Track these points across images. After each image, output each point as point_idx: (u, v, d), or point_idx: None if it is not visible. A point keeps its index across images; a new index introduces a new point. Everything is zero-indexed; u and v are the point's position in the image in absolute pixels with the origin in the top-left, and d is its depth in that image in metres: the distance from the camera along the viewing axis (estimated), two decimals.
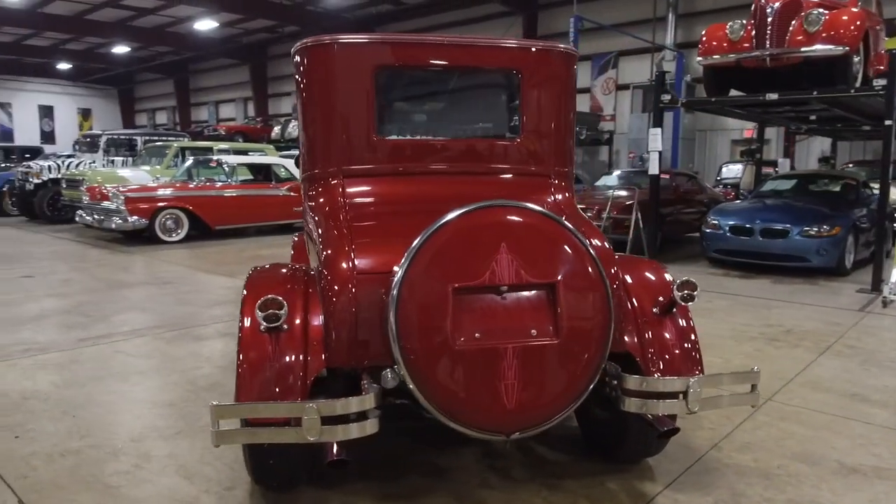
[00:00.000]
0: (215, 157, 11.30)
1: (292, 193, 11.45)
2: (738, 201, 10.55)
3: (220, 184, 10.81)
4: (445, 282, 2.04)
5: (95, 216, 10.34)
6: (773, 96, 7.25)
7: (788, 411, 3.51)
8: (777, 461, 2.91)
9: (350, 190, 2.84)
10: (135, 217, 9.84)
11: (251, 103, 28.90)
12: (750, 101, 7.89)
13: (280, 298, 2.14)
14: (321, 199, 2.85)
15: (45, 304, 5.93)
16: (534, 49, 3.01)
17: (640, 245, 8.02)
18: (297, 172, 11.72)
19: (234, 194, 10.85)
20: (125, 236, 10.55)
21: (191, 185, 10.59)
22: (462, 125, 3.28)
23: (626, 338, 2.49)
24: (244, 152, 13.44)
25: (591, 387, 2.15)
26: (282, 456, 2.34)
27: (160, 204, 10.05)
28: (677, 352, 2.50)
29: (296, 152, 17.74)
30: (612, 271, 2.50)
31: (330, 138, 2.88)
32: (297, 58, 2.89)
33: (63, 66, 30.01)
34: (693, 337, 2.55)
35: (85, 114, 33.74)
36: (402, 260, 2.06)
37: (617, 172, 11.70)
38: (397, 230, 2.45)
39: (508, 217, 2.15)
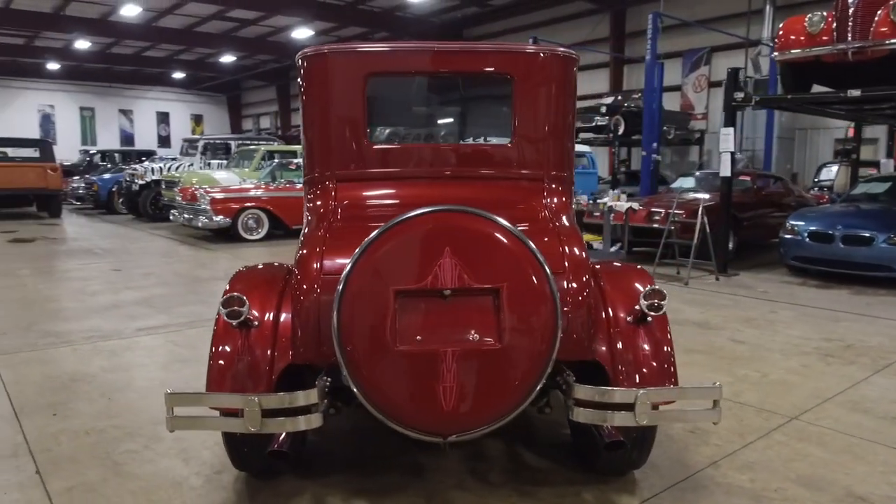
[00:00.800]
0: (296, 160, 11.84)
1: None
2: (825, 205, 9.83)
3: (299, 185, 11.32)
4: (388, 284, 2.10)
5: (186, 215, 11.14)
6: (856, 93, 6.72)
7: (811, 431, 3.28)
8: (777, 484, 2.74)
9: (341, 194, 2.95)
10: (220, 216, 10.52)
11: None
12: (829, 98, 7.35)
13: (242, 296, 2.28)
14: (316, 203, 2.98)
15: (122, 295, 6.49)
16: (526, 53, 3.00)
17: (707, 251, 7.66)
18: None
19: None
20: (212, 234, 11.29)
21: (271, 187, 11.16)
22: (454, 130, 3.31)
23: (596, 346, 2.45)
24: None
25: (534, 393, 2.13)
26: (254, 445, 2.48)
27: (243, 204, 10.68)
28: (648, 363, 2.42)
29: None
30: (584, 279, 2.47)
31: (325, 143, 3.01)
32: (299, 66, 3.04)
33: (177, 75, 32.34)
34: (667, 349, 2.46)
35: (197, 119, 36.23)
36: (348, 262, 2.14)
37: (697, 173, 11.20)
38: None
39: (454, 222, 2.17)
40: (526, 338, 2.11)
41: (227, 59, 29.34)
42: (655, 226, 8.50)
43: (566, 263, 2.48)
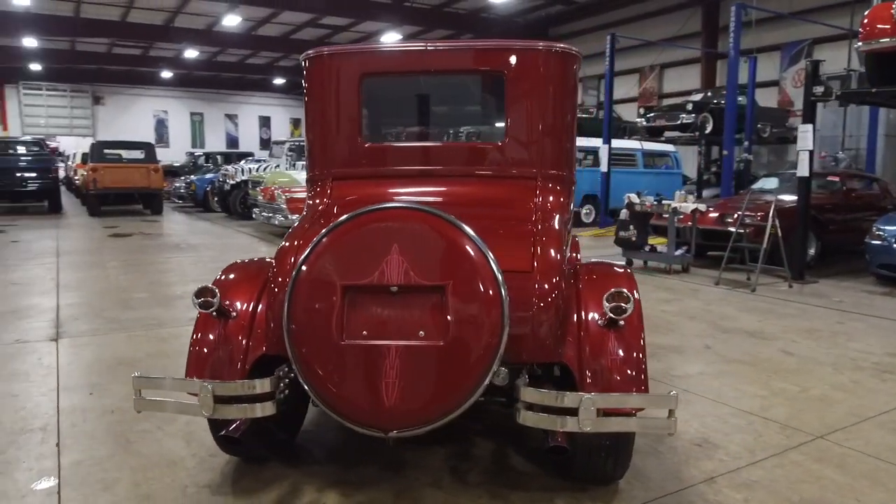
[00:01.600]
0: None
1: None
2: None
3: None
4: (336, 280, 2.15)
5: (265, 213, 11.70)
6: None
7: (834, 452, 3.02)
8: None
9: (336, 192, 3.04)
10: (295, 215, 10.97)
11: None
12: None
13: (214, 288, 2.40)
14: (315, 200, 3.08)
15: (190, 287, 6.90)
16: (517, 50, 2.96)
17: (779, 256, 7.18)
18: None
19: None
20: None
21: None
22: (447, 128, 3.31)
23: (564, 349, 2.39)
24: None
25: (478, 392, 2.10)
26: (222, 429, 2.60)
27: None
28: (615, 368, 2.32)
29: None
30: (553, 281, 2.41)
31: (323, 142, 3.11)
32: (302, 68, 3.15)
33: (278, 80, 33.96)
34: (638, 355, 2.35)
35: (296, 123, 37.88)
36: (301, 257, 2.20)
37: (781, 173, 10.49)
38: None
39: (403, 219, 2.18)
40: (470, 336, 2.09)
41: None
42: (730, 229, 8.05)
43: (535, 264, 2.43)
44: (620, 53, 20.57)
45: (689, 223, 7.98)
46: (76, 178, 20.72)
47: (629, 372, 2.32)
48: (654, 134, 16.16)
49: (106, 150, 15.86)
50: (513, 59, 2.95)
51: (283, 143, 15.99)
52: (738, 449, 3.05)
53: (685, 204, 7.74)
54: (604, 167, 13.12)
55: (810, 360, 4.48)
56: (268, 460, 2.87)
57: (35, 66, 30.20)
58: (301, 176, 13.33)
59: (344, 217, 2.22)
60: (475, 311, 2.10)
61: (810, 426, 3.32)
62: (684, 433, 3.21)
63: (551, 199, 3.00)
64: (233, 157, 22.40)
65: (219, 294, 2.39)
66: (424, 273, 2.12)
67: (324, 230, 2.21)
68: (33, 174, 15.72)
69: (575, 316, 2.44)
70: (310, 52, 3.11)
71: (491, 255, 2.14)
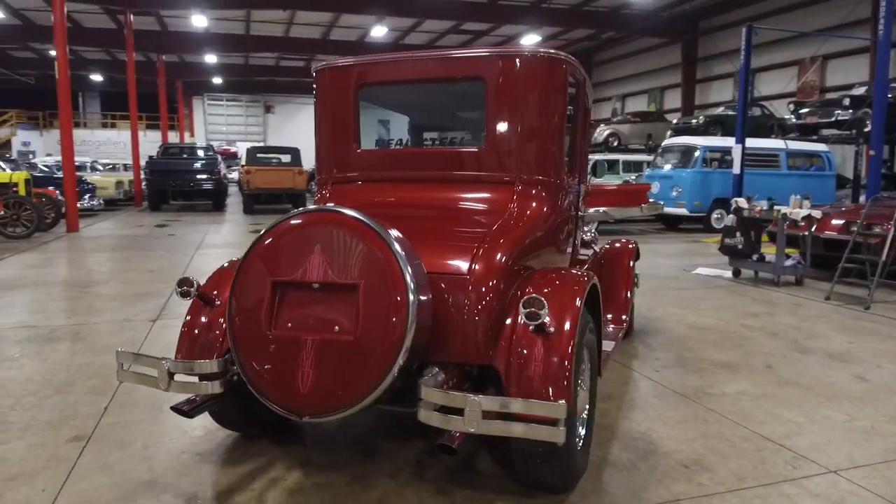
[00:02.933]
0: None
1: None
2: None
3: None
4: (267, 275, 2.36)
5: None
6: None
7: (840, 489, 2.71)
8: None
9: (334, 197, 3.27)
10: None
11: None
12: None
13: (192, 278, 2.72)
14: (315, 203, 3.33)
15: None
16: (498, 56, 3.00)
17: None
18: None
19: None
20: None
21: None
22: (433, 134, 3.40)
23: (496, 352, 2.42)
24: None
25: (383, 387, 2.20)
26: (221, 407, 2.92)
27: None
28: (538, 374, 2.31)
29: (597, 157, 17.96)
30: (490, 284, 2.45)
31: (325, 149, 3.36)
32: (313, 80, 3.42)
33: None
34: (563, 362, 2.32)
35: None
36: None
37: None
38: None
39: (326, 221, 2.34)
40: (376, 333, 2.20)
41: None
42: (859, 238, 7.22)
43: (475, 267, 2.48)
44: (775, 45, 18.97)
45: (805, 231, 7.25)
46: None
47: (550, 378, 2.30)
48: (806, 132, 14.71)
49: (258, 155, 17.58)
50: (492, 66, 3.00)
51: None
52: (728, 474, 2.84)
53: (797, 210, 7.06)
54: (736, 169, 12.21)
55: (885, 388, 3.96)
56: (260, 438, 3.17)
57: (216, 80, 34.01)
58: None
59: (278, 219, 2.43)
60: (382, 311, 2.21)
61: (830, 459, 2.99)
62: (679, 452, 3.05)
63: (532, 204, 3.00)
64: None
65: (196, 283, 2.71)
66: (340, 272, 2.27)
67: (263, 230, 2.44)
68: (202, 176, 17.83)
69: (510, 320, 2.46)
70: (318, 65, 3.38)
71: (402, 258, 2.24)
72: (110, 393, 3.80)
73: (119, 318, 5.64)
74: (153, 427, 3.32)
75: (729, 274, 8.02)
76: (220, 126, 37.68)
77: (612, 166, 17.88)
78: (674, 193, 13.16)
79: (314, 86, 3.41)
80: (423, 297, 2.25)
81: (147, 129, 34.07)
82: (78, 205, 13.21)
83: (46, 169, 17.27)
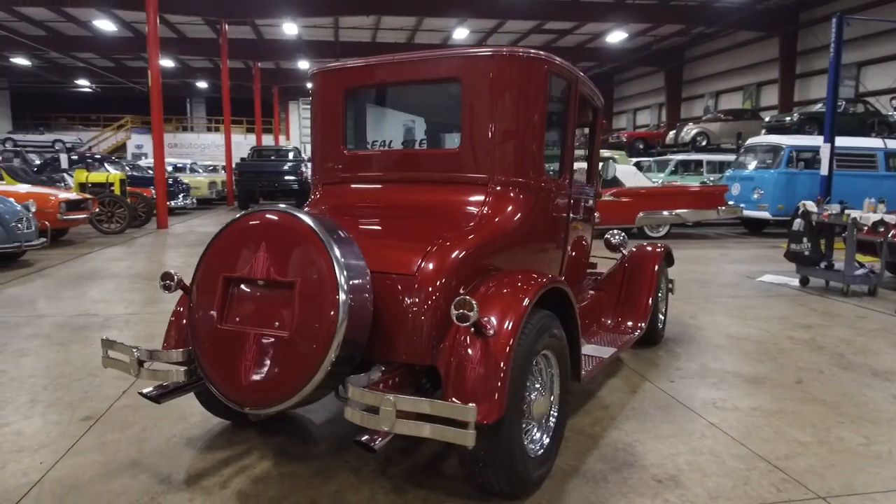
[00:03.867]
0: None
1: (614, 198, 11.57)
2: None
3: None
4: (219, 271, 2.48)
5: None
6: None
7: None
8: None
9: (323, 197, 3.37)
10: None
11: (664, 109, 28.80)
12: None
13: (173, 272, 2.89)
14: (309, 207, 3.45)
15: None
16: (474, 57, 2.99)
17: None
18: (634, 179, 11.76)
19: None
20: None
21: None
22: (414, 135, 3.41)
23: (439, 352, 2.42)
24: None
25: (316, 382, 2.25)
26: (205, 394, 3.08)
27: None
28: (474, 376, 2.30)
29: (678, 157, 17.28)
30: (437, 284, 2.47)
31: (318, 150, 3.46)
32: (309, 85, 3.54)
33: None
34: (499, 364, 2.28)
35: None
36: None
37: None
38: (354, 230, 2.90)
39: (272, 221, 2.42)
40: (309, 330, 2.26)
41: None
42: None
43: (423, 267, 2.49)
44: (884, 36, 17.49)
45: (880, 237, 6.67)
46: None
47: (483, 381, 2.28)
48: None
49: None
50: (467, 66, 2.99)
51: None
52: (701, 493, 2.69)
53: (868, 214, 6.50)
54: (823, 170, 11.38)
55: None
56: (247, 427, 3.32)
57: (310, 85, 35.35)
58: None
59: (232, 219, 2.54)
60: (315, 308, 2.27)
61: (823, 484, 2.76)
62: (658, 466, 2.92)
63: (505, 206, 2.97)
64: None
65: (177, 278, 2.88)
66: (280, 270, 2.35)
67: (219, 229, 2.56)
68: (288, 177, 18.65)
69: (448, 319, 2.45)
70: (312, 69, 3.49)
71: (337, 257, 2.29)
72: (131, 381, 4.09)
73: (171, 309, 6.03)
74: (157, 411, 3.55)
75: (796, 282, 7.50)
76: None
77: (695, 167, 17.12)
78: (755, 196, 12.42)
79: (311, 89, 3.52)
80: (357, 296, 2.29)
81: (247, 133, 35.97)
82: (172, 203, 14.19)
83: (151, 171, 18.65)
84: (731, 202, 12.52)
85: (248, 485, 2.75)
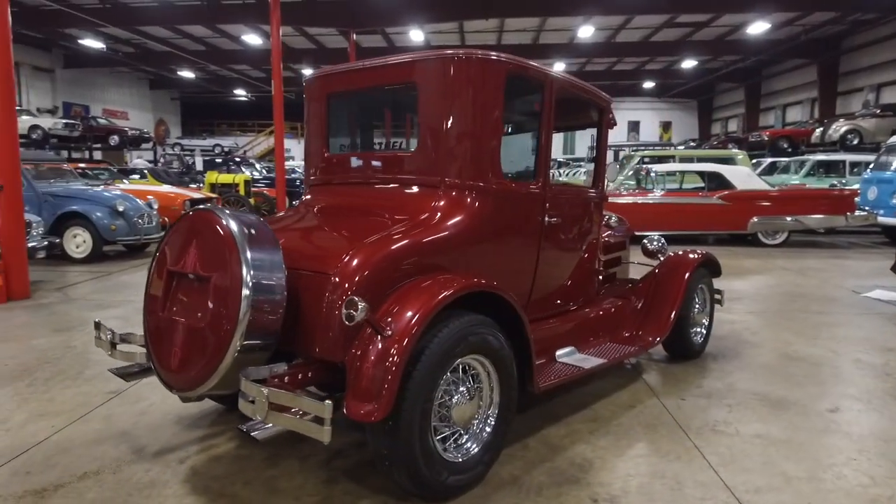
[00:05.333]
0: (645, 166, 11.62)
1: (723, 202, 10.81)
2: None
3: (660, 192, 11.13)
4: (165, 265, 2.71)
5: None
6: None
7: None
8: None
9: (306, 198, 3.55)
10: None
11: (817, 104, 26.17)
12: None
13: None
14: (295, 207, 3.63)
15: None
16: (428, 61, 3.00)
17: None
18: (748, 181, 10.99)
19: (649, 202, 11.00)
20: None
21: (623, 193, 11.30)
22: (381, 139, 3.45)
23: (349, 350, 2.48)
24: (711, 160, 13.11)
25: (222, 371, 2.39)
26: None
27: None
28: (367, 373, 2.33)
29: (817, 157, 15.76)
30: (353, 281, 2.52)
31: (307, 154, 3.64)
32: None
33: (647, 84, 33.71)
34: (392, 364, 2.30)
35: (665, 126, 37.03)
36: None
37: None
38: (290, 229, 3.11)
39: (202, 220, 2.60)
40: (217, 322, 2.42)
41: (689, 63, 29.16)
42: None
43: (340, 267, 2.55)
44: None
45: None
46: None
47: (373, 380, 2.32)
48: None
49: None
50: (422, 70, 3.01)
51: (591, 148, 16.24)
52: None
53: None
54: None
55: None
56: (236, 410, 3.57)
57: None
58: (582, 180, 13.46)
59: (180, 216, 2.77)
60: (223, 301, 2.42)
61: None
62: (605, 485, 2.76)
63: (455, 208, 2.95)
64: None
65: None
66: (203, 265, 2.53)
67: (170, 225, 2.80)
68: None
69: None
70: (306, 76, 3.68)
71: (245, 255, 2.41)
72: None
73: None
74: (170, 400, 3.91)
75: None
76: None
77: (833, 168, 15.46)
78: (894, 201, 10.99)
79: (304, 95, 3.71)
80: (264, 292, 2.42)
81: None
82: (295, 203, 15.24)
83: (297, 170, 20.14)
84: (865, 208, 11.18)
85: (203, 462, 2.98)
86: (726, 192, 10.95)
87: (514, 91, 3.13)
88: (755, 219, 10.90)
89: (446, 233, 2.86)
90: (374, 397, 2.29)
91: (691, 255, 4.48)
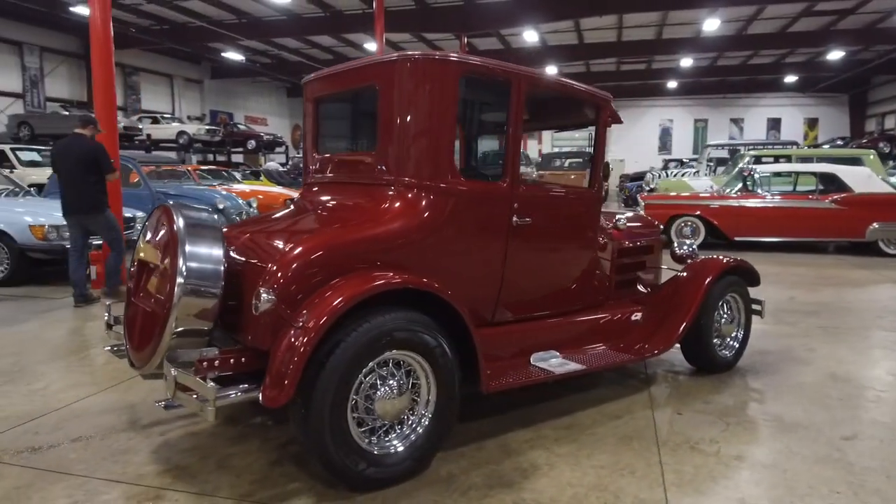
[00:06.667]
0: (749, 167, 10.78)
1: (837, 206, 9.83)
2: None
3: (768, 194, 10.34)
4: (140, 253, 3.01)
5: None
6: None
7: None
8: None
9: (300, 197, 3.75)
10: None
11: None
12: None
13: None
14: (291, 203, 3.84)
15: None
16: (384, 62, 3.07)
17: None
18: (868, 183, 10.06)
19: (756, 205, 10.18)
20: None
21: (705, 195, 10.60)
22: (352, 140, 3.54)
23: (270, 339, 2.61)
24: (835, 160, 11.91)
25: (161, 352, 2.61)
26: None
27: (676, 212, 10.59)
28: (276, 362, 2.45)
29: None
30: (280, 276, 2.65)
31: (304, 155, 3.84)
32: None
33: (789, 78, 31.06)
34: (293, 354, 2.41)
35: (811, 123, 33.96)
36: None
37: None
38: (273, 226, 3.32)
39: (162, 214, 2.85)
40: (159, 307, 2.66)
41: (836, 55, 26.51)
42: None
43: (276, 261, 2.69)
44: None
45: None
46: None
47: (278, 368, 2.43)
48: None
49: (554, 160, 18.25)
50: (379, 72, 3.08)
51: (708, 146, 15.28)
52: None
53: None
54: None
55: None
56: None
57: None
58: (696, 182, 12.73)
59: (152, 209, 3.05)
60: (164, 289, 2.66)
61: None
62: (536, 492, 2.69)
63: (406, 208, 2.98)
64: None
65: None
66: (161, 255, 2.79)
67: (145, 219, 3.10)
68: None
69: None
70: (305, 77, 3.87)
71: (184, 248, 2.63)
72: None
73: None
74: None
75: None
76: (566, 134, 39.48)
77: None
78: None
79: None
80: (199, 281, 2.62)
81: None
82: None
83: None
84: None
85: (178, 436, 3.26)
86: (841, 196, 9.92)
87: (474, 91, 3.12)
88: (875, 225, 9.78)
89: (390, 230, 2.90)
90: (275, 385, 2.41)
91: (717, 261, 4.17)
